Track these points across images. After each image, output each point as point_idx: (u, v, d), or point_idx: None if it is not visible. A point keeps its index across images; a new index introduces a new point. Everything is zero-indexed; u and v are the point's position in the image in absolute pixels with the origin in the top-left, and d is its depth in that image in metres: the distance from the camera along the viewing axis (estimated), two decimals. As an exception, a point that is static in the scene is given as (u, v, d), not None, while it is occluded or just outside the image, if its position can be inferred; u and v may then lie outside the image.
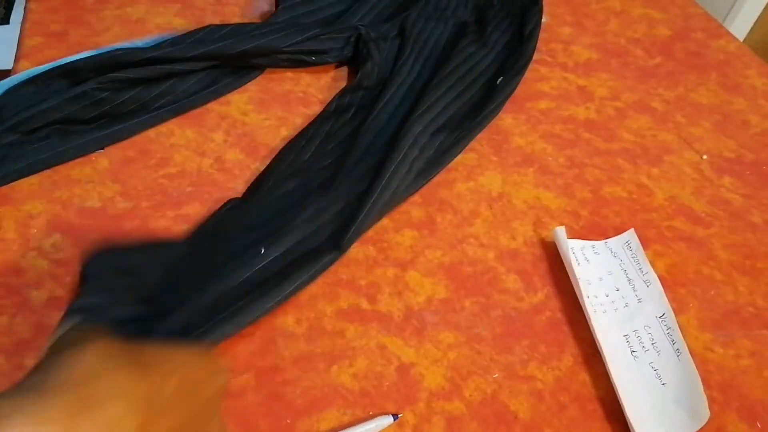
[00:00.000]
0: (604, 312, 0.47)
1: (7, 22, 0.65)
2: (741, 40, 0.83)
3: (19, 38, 0.64)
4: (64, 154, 0.52)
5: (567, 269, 0.49)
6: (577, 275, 0.48)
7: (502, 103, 0.63)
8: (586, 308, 0.46)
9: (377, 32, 0.66)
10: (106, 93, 0.53)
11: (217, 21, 0.69)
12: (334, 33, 0.64)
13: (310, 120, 0.60)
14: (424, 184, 0.54)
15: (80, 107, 0.52)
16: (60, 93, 0.52)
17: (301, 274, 0.44)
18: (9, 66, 0.61)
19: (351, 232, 0.47)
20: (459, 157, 0.58)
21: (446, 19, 0.71)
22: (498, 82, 0.64)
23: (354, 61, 0.66)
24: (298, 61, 0.64)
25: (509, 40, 0.71)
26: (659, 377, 0.43)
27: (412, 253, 0.50)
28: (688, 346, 0.44)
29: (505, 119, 0.64)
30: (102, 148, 0.54)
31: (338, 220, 0.48)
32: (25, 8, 0.68)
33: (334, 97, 0.62)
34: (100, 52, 0.56)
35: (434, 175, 0.55)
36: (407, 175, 0.52)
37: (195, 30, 0.62)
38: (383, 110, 0.59)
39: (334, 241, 0.47)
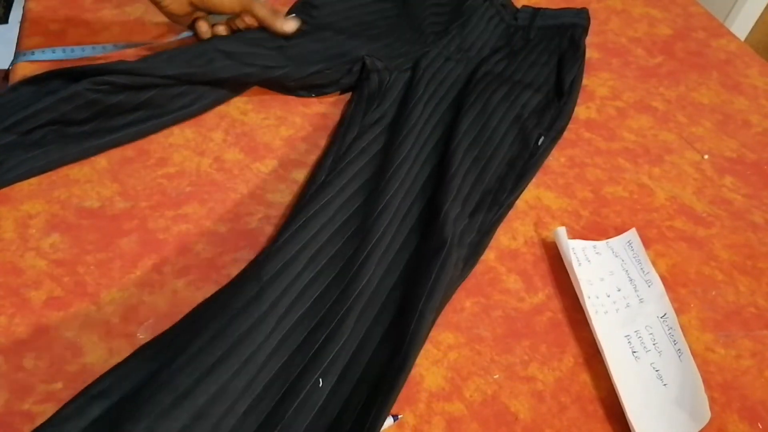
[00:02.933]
0: (606, 312, 0.47)
1: (6, 22, 0.65)
2: (742, 39, 0.83)
3: (18, 38, 0.64)
4: (61, 161, 0.52)
5: (568, 269, 0.49)
6: (578, 275, 0.48)
7: (538, 167, 0.58)
8: (587, 308, 0.46)
9: (385, 63, 0.62)
10: (99, 95, 0.52)
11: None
12: (338, 66, 0.61)
13: (310, 120, 0.60)
14: (468, 274, 0.48)
15: (73, 107, 0.52)
16: (55, 93, 0.52)
17: (375, 411, 0.38)
18: (8, 65, 0.60)
19: (407, 355, 0.40)
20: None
21: (468, 61, 0.66)
22: (539, 142, 0.58)
23: (355, 88, 0.63)
24: (295, 93, 0.63)
25: (542, 88, 0.64)
26: (660, 378, 0.43)
27: (412, 253, 0.50)
28: (688, 346, 0.44)
29: (506, 119, 0.64)
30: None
31: (388, 336, 0.42)
32: (24, 8, 0.68)
33: (337, 136, 0.56)
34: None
35: (478, 260, 0.49)
36: (455, 271, 0.46)
37: (194, 45, 0.59)
38: (398, 170, 0.52)
39: (392, 363, 0.40)
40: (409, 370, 0.39)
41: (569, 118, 0.63)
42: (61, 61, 0.60)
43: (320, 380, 0.39)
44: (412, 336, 0.41)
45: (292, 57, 0.61)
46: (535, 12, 0.73)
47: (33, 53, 0.60)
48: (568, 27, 0.71)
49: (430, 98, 0.61)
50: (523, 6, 0.74)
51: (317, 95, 0.63)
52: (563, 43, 0.70)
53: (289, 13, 0.67)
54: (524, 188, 0.55)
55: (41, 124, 0.51)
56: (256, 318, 0.39)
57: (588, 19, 0.72)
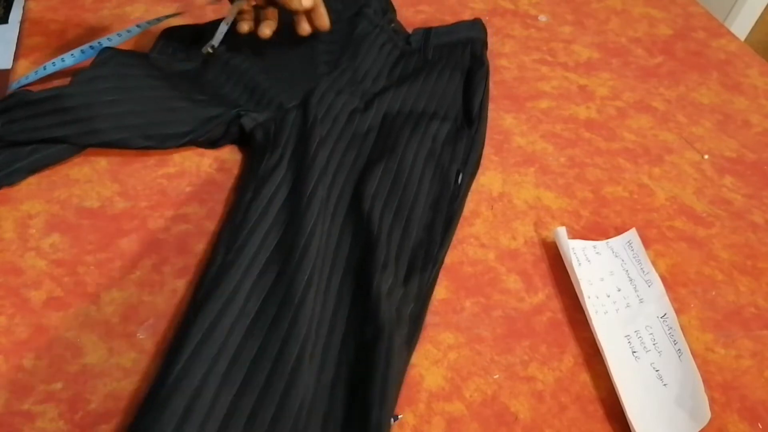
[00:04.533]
0: (605, 312, 0.47)
1: (6, 22, 0.65)
2: (742, 39, 0.83)
3: (18, 37, 0.64)
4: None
5: (568, 269, 0.49)
6: (578, 275, 0.48)
7: (463, 208, 0.53)
8: (587, 308, 0.46)
9: (265, 112, 0.56)
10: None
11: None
12: (210, 129, 0.54)
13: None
14: (418, 338, 0.44)
15: None
16: None
17: None
18: (8, 65, 0.61)
19: None
20: (459, 157, 0.57)
21: (363, 93, 0.60)
22: (459, 180, 0.54)
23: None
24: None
25: (449, 114, 0.60)
26: (660, 378, 0.43)
27: (412, 253, 0.50)
28: (688, 346, 0.44)
29: (506, 119, 0.64)
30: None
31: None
32: (24, 7, 0.68)
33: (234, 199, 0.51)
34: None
35: (419, 336, 0.44)
36: (400, 361, 0.41)
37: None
38: (310, 242, 0.45)
39: None
40: None
41: (482, 148, 0.59)
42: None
43: None
44: None
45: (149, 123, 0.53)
46: (428, 32, 0.69)
47: (26, 77, 0.56)
48: (466, 43, 0.68)
49: (328, 141, 0.54)
50: (415, 29, 0.70)
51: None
52: (464, 61, 0.66)
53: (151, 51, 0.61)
54: (453, 236, 0.51)
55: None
56: None
57: (484, 30, 0.69)
